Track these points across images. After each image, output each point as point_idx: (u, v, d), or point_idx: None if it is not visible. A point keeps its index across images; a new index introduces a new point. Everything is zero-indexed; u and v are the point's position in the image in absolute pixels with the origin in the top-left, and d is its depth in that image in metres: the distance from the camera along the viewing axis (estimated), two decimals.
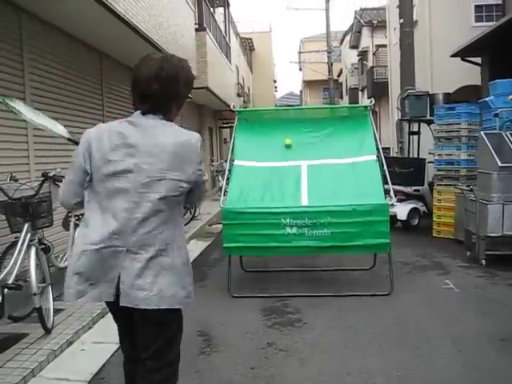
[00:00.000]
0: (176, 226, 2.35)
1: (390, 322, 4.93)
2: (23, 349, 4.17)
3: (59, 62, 6.90)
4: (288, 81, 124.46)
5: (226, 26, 20.01)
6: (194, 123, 17.33)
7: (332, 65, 30.96)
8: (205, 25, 13.80)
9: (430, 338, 4.46)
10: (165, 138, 2.28)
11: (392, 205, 9.50)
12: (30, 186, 4.61)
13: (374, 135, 6.50)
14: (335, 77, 35.82)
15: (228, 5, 20.39)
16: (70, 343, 4.43)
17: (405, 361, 4.01)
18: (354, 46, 31.36)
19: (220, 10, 19.60)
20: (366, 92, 27.77)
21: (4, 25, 5.64)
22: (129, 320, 2.39)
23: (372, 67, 25.99)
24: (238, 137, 6.70)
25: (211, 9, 15.57)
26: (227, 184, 6.22)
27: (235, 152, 6.54)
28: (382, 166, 6.11)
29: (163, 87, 2.28)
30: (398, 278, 6.19)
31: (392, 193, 5.86)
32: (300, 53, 43.43)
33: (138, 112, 2.34)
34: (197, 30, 13.27)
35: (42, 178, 4.67)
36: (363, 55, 29.39)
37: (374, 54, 26.61)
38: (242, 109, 7.26)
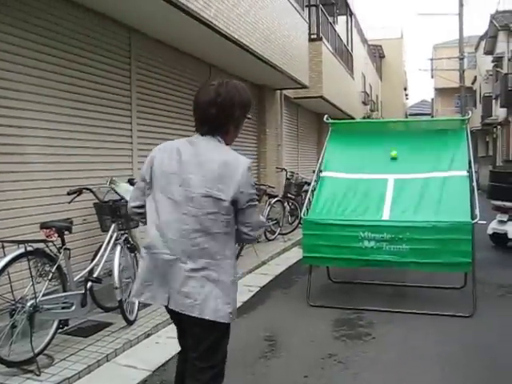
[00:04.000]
0: (226, 244, 2.51)
1: (461, 345, 4.73)
2: (104, 336, 4.66)
3: (166, 75, 7.49)
4: (420, 88, 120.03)
5: (348, 34, 19.99)
6: (312, 133, 17.46)
7: (464, 72, 29.47)
8: (321, 34, 13.95)
9: (500, 371, 4.17)
10: (213, 157, 2.47)
11: (503, 221, 9.07)
12: None
13: (469, 150, 6.26)
14: (469, 84, 34.05)
15: (351, 14, 20.34)
16: (147, 335, 4.84)
17: None
18: (489, 52, 29.62)
19: (343, 19, 19.62)
20: (499, 101, 26.13)
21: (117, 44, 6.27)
22: (180, 322, 2.64)
23: (506, 74, 24.38)
24: (328, 148, 6.81)
25: (330, 18, 15.65)
26: (312, 195, 6.33)
27: (324, 163, 6.65)
28: (472, 182, 5.87)
29: (220, 111, 2.48)
30: (488, 300, 5.92)
31: (477, 210, 5.53)
32: (432, 60, 41.82)
33: (198, 133, 2.57)
34: (313, 40, 13.47)
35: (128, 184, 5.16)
36: (498, 61, 27.68)
37: (509, 59, 24.94)
38: (335, 121, 7.31)
